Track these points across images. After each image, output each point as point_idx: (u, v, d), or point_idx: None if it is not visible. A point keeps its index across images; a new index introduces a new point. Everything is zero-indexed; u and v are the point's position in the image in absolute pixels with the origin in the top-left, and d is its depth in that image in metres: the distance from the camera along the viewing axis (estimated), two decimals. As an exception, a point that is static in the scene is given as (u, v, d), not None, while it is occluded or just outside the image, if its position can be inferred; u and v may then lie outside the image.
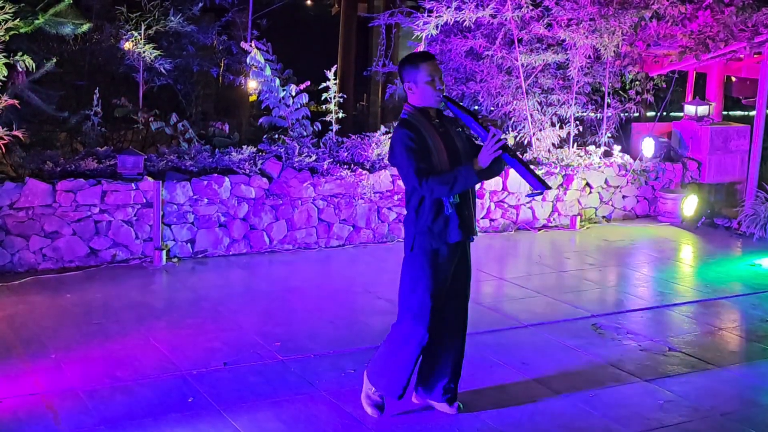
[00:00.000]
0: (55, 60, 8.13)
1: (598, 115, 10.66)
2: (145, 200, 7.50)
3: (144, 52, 8.98)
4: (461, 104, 4.45)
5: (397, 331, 4.50)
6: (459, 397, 4.72)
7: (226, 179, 7.85)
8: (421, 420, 4.55)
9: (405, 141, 4.27)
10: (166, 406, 4.62)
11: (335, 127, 8.80)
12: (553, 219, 9.63)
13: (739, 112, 15.46)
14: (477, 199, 4.50)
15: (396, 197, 8.60)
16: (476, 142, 4.50)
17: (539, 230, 9.43)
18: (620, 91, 10.95)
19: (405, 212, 4.50)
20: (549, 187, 4.35)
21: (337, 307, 6.52)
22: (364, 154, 8.56)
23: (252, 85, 9.28)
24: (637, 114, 11.18)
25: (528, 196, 4.61)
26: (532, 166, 4.25)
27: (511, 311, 6.53)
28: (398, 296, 4.52)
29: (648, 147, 10.26)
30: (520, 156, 4.34)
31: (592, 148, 10.20)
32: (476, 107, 10.44)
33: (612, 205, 10.07)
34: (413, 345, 4.41)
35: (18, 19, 7.26)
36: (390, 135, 8.72)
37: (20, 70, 7.51)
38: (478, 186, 7.89)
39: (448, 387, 4.62)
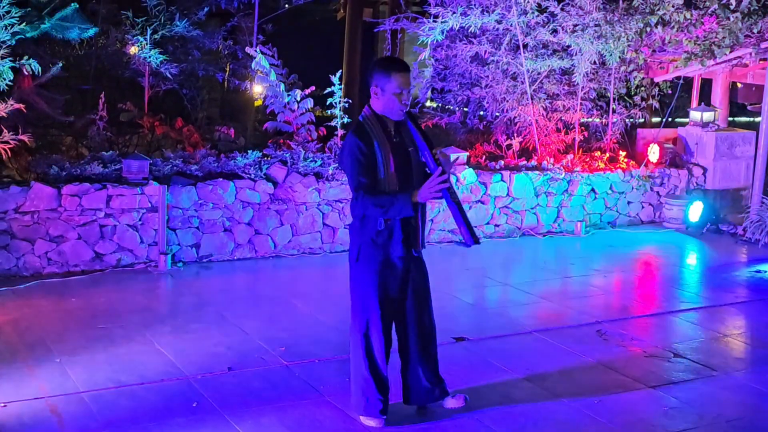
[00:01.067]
0: (61, 64, 8.15)
1: (604, 120, 10.66)
2: (150, 205, 7.51)
3: (149, 56, 9.00)
4: (421, 127, 4.41)
5: (354, 348, 4.49)
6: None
7: (231, 184, 7.86)
8: (426, 426, 4.54)
9: (354, 151, 4.23)
10: (171, 410, 4.62)
11: (340, 132, 8.80)
12: (558, 224, 9.62)
13: (744, 118, 15.46)
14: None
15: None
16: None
17: (544, 236, 9.42)
18: (625, 97, 10.95)
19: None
20: (478, 242, 4.32)
21: (342, 312, 6.48)
22: (369, 159, 8.54)
23: (257, 89, 9.30)
24: (642, 120, 11.17)
25: (457, 244, 4.60)
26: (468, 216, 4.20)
27: (515, 317, 6.52)
28: (350, 310, 4.51)
29: (653, 153, 10.25)
30: (460, 203, 4.32)
31: (597, 153, 10.19)
32: (481, 113, 10.45)
33: (617, 211, 10.06)
34: (374, 356, 4.42)
35: (24, 24, 7.28)
36: None
37: (26, 74, 7.53)
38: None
39: (432, 391, 4.61)
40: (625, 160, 10.20)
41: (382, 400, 4.49)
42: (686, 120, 11.12)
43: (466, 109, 10.51)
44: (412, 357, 4.58)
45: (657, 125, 11.41)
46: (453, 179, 4.32)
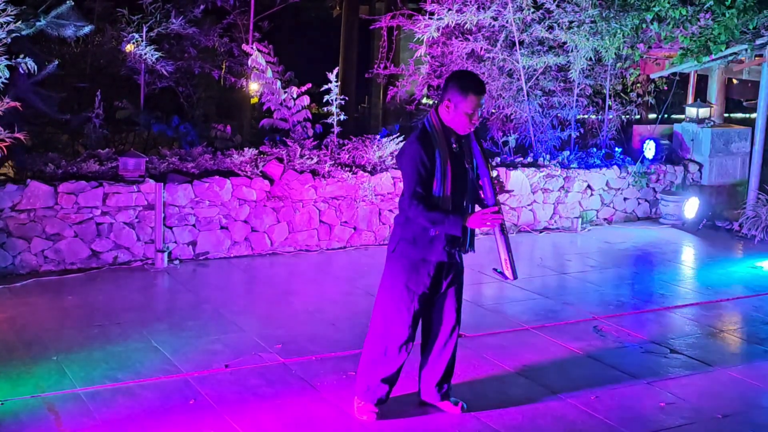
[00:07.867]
0: (56, 62, 8.13)
1: (600, 117, 10.67)
2: (146, 202, 7.51)
3: (145, 54, 8.99)
4: (482, 144, 4.43)
5: (372, 336, 4.52)
6: (460, 398, 4.72)
7: (228, 181, 7.85)
8: (423, 422, 4.55)
9: (416, 159, 4.23)
10: (168, 408, 4.62)
11: (336, 129, 8.80)
12: (555, 221, 9.63)
13: (740, 114, 15.50)
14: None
15: (397, 199, 8.60)
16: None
17: (541, 232, 9.43)
18: (621, 94, 10.96)
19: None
20: (516, 278, 4.44)
21: (339, 309, 6.53)
22: (365, 157, 8.56)
23: (253, 87, 9.29)
24: (638, 116, 11.18)
25: (494, 270, 4.53)
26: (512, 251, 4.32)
27: (512, 313, 6.53)
28: (376, 297, 4.55)
29: (649, 149, 10.27)
30: (508, 236, 4.42)
31: (593, 150, 10.20)
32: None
33: (613, 207, 10.07)
34: (390, 348, 4.45)
35: (20, 21, 7.26)
36: (393, 138, 8.71)
37: (22, 72, 7.51)
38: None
39: (442, 390, 4.63)
40: (621, 156, 10.21)
41: (386, 392, 4.52)
42: (682, 116, 11.14)
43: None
44: (433, 355, 4.59)
45: (653, 121, 11.42)
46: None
